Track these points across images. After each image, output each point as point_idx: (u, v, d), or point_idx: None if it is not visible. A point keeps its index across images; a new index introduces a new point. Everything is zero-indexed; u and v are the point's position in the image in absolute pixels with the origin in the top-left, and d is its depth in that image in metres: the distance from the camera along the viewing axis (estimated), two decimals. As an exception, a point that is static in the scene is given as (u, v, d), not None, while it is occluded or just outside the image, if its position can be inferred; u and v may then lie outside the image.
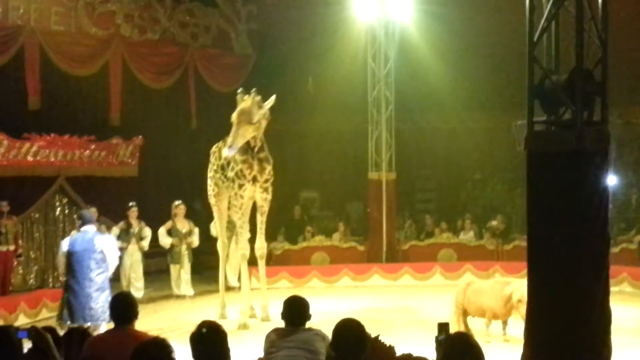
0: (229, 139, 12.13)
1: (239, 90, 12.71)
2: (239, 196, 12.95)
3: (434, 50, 18.98)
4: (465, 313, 11.39)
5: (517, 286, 10.73)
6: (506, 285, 11.06)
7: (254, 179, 12.81)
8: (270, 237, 18.42)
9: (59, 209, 16.93)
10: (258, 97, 12.43)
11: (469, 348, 4.13)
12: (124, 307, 5.39)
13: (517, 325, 10.38)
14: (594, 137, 6.51)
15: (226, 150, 12.16)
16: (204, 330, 4.47)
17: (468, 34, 19.34)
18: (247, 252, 13.16)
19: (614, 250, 15.52)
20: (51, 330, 5.41)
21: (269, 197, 13.11)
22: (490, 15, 18.73)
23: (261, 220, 13.27)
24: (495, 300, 11.02)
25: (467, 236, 18.84)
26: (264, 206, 13.16)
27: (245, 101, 12.28)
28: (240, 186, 12.84)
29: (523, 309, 10.34)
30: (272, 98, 12.69)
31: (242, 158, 12.75)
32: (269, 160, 12.97)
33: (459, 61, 19.41)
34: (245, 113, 12.05)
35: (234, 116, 12.28)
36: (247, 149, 12.71)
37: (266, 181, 12.95)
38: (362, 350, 4.62)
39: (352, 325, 4.73)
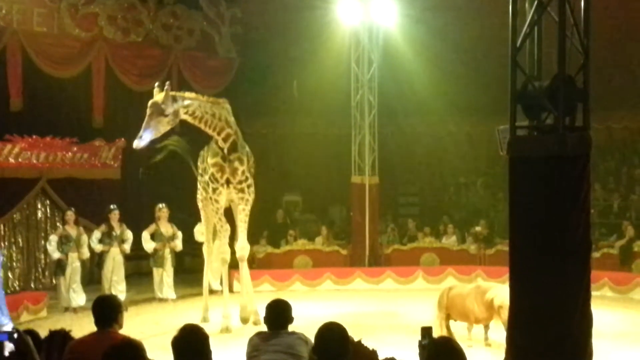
0: (141, 131, 11.49)
1: (156, 85, 12.04)
2: (213, 200, 12.90)
3: (418, 55, 19.05)
4: (447, 317, 11.44)
5: (498, 292, 10.78)
6: (488, 290, 11.11)
7: (227, 182, 12.69)
8: (252, 240, 18.39)
9: (40, 211, 16.86)
10: (173, 92, 11.88)
11: (452, 352, 4.15)
12: (106, 310, 5.37)
13: (499, 329, 10.44)
14: (576, 142, 6.55)
15: (136, 141, 11.49)
16: (185, 333, 4.46)
17: (451, 39, 19.43)
18: (227, 257, 13.11)
19: (595, 255, 15.62)
20: (32, 333, 5.38)
21: (247, 197, 12.93)
22: (473, 20, 18.85)
23: (241, 220, 13.10)
24: (477, 304, 11.06)
25: (449, 240, 18.90)
26: (243, 206, 12.98)
27: (158, 95, 11.70)
28: (214, 190, 12.79)
29: (504, 314, 10.40)
30: (189, 94, 12.27)
31: (212, 161, 12.68)
32: (241, 161, 12.70)
33: (442, 66, 19.48)
34: (155, 105, 11.45)
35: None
36: (217, 151, 12.60)
37: (240, 182, 12.74)
38: (344, 354, 4.63)
39: (335, 328, 4.73)
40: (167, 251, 15.52)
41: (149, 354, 4.47)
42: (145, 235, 15.43)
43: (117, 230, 15.08)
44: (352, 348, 4.81)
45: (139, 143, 11.42)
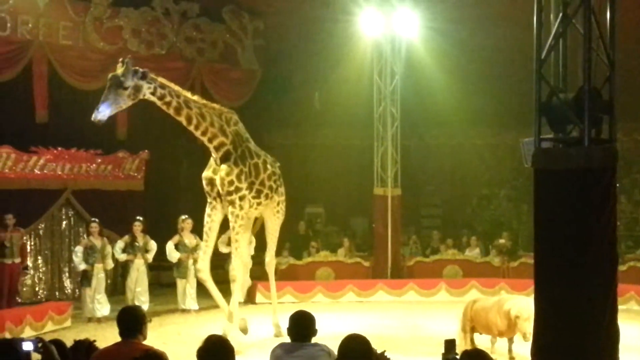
0: (99, 104, 10.89)
1: (120, 60, 11.48)
2: (206, 215, 12.35)
3: (440, 67, 19.02)
4: (472, 330, 11.37)
5: (515, 302, 10.74)
6: (507, 301, 11.05)
7: (219, 195, 12.11)
8: (275, 252, 18.44)
9: (65, 222, 17.01)
10: (137, 68, 11.19)
11: None
12: (131, 321, 5.39)
13: (524, 342, 10.35)
14: (602, 155, 6.51)
15: (94, 114, 10.73)
16: (211, 344, 4.47)
17: (474, 51, 19.40)
18: (234, 273, 12.45)
19: (622, 268, 15.43)
20: (58, 343, 5.41)
21: (238, 211, 12.04)
22: (497, 32, 18.79)
23: (232, 239, 12.41)
24: (499, 317, 10.99)
25: (472, 253, 18.81)
26: (232, 223, 12.19)
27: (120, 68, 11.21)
28: (209, 205, 12.26)
29: (521, 324, 10.36)
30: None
31: (204, 174, 12.24)
32: (229, 170, 11.93)
33: (465, 78, 19.45)
34: (114, 78, 10.96)
35: None
36: (211, 162, 12.17)
37: (229, 193, 11.96)
38: None
39: (358, 340, 4.72)
40: (190, 262, 15.56)
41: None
42: (170, 245, 15.50)
43: (140, 241, 15.19)
44: (375, 360, 4.79)
45: (96, 116, 10.71)
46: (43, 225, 16.55)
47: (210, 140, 11.90)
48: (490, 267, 18.19)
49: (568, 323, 6.46)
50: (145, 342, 5.40)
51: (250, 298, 16.69)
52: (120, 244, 15.19)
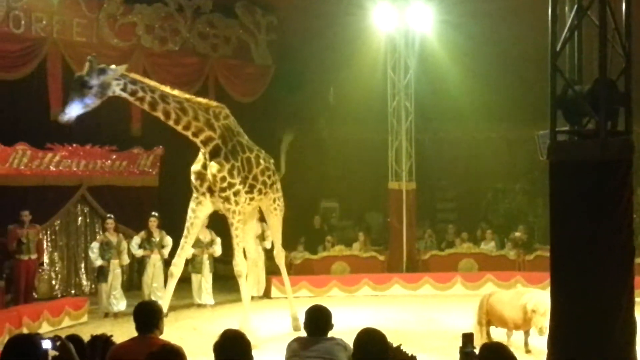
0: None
1: (88, 58, 11.16)
2: (190, 210, 12.19)
3: (454, 61, 18.96)
4: (488, 323, 11.36)
5: (532, 296, 10.70)
6: (523, 295, 11.02)
7: (210, 190, 11.93)
8: (290, 246, 18.47)
9: (80, 218, 17.09)
10: (103, 65, 10.96)
11: (508, 358, 4.14)
12: (147, 316, 5.42)
13: (540, 335, 10.33)
14: (618, 147, 6.48)
15: (60, 116, 10.82)
16: (227, 339, 4.48)
17: (488, 44, 19.29)
18: (238, 268, 12.22)
19: (638, 260, 15.37)
20: (76, 338, 5.45)
21: (233, 207, 11.89)
22: (511, 25, 18.68)
23: (232, 235, 12.17)
24: (515, 310, 10.97)
25: (488, 246, 18.76)
26: (230, 219, 12.02)
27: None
28: (194, 200, 12.11)
29: (537, 318, 10.33)
30: (122, 67, 11.20)
31: (193, 168, 12.11)
32: (221, 166, 11.77)
33: (479, 71, 19.37)
34: (78, 78, 10.83)
35: None
36: (200, 157, 12.03)
37: (223, 190, 11.80)
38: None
39: (374, 334, 4.72)
40: (205, 257, 15.61)
41: (188, 359, 4.50)
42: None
43: (156, 237, 15.25)
44: (391, 354, 4.79)
45: (63, 117, 10.74)
46: (59, 222, 16.65)
47: (195, 135, 11.71)
48: (506, 260, 18.14)
49: (584, 315, 6.45)
50: (161, 337, 5.42)
51: (265, 293, 16.74)
52: (136, 239, 15.27)
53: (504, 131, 21.73)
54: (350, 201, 22.12)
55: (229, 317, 14.23)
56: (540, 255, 16.64)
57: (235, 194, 11.88)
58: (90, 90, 10.76)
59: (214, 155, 11.82)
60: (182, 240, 12.44)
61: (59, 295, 16.21)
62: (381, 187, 19.51)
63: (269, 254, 16.69)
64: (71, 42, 16.60)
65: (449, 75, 19.16)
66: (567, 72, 6.97)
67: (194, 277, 15.74)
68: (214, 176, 11.75)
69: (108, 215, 15.27)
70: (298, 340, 5.66)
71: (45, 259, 15.91)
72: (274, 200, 13.04)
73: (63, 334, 5.44)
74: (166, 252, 15.28)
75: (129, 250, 15.15)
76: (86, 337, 5.58)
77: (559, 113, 6.84)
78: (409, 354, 5.59)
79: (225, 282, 16.99)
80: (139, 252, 15.31)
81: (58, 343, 4.75)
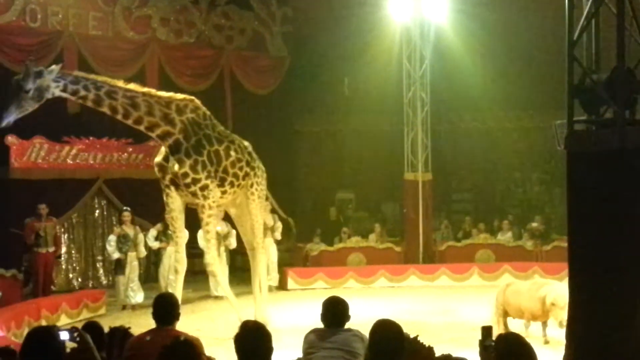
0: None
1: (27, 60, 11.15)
2: (165, 204, 12.00)
3: (470, 50, 18.88)
4: (505, 314, 11.31)
5: (552, 288, 10.63)
6: (542, 287, 10.97)
7: (173, 183, 11.61)
8: (306, 238, 18.51)
9: (97, 211, 17.18)
10: (39, 68, 10.68)
11: (523, 348, 4.12)
12: (166, 308, 5.44)
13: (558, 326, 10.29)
14: (637, 135, 6.43)
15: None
16: (248, 330, 4.48)
17: (504, 33, 19.22)
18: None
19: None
20: (96, 325, 5.50)
21: (203, 202, 11.57)
22: (527, 14, 18.61)
23: (203, 230, 11.94)
24: (533, 301, 10.93)
25: (505, 237, 18.69)
26: (200, 214, 11.78)
27: None
28: (164, 193, 11.85)
29: (556, 312, 10.26)
30: (56, 67, 10.83)
31: (155, 161, 11.85)
32: (181, 162, 11.36)
33: (495, 61, 19.31)
34: (15, 81, 10.56)
35: None
36: (163, 149, 11.67)
37: (188, 186, 11.44)
38: (399, 351, 4.59)
39: (390, 326, 4.70)
40: (221, 249, 15.64)
41: (206, 351, 4.51)
42: (201, 233, 15.54)
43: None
44: (407, 345, 4.78)
45: (1, 123, 10.43)
46: (76, 215, 16.75)
47: (149, 130, 11.36)
48: (523, 251, 18.07)
49: (603, 306, 6.41)
50: (179, 329, 5.44)
51: (282, 284, 16.77)
52: (152, 232, 15.32)
53: (521, 121, 21.65)
54: (366, 192, 22.10)
55: (246, 309, 14.26)
56: (558, 246, 16.56)
57: (203, 188, 11.52)
58: (27, 94, 10.45)
59: (174, 151, 11.41)
60: (174, 236, 12.34)
61: (77, 288, 16.31)
62: (397, 178, 19.48)
63: (281, 245, 16.78)
64: (87, 36, 16.68)
65: (464, 65, 19.08)
66: (585, 61, 6.92)
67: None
68: (175, 173, 11.44)
69: (125, 208, 15.32)
70: (315, 331, 5.66)
71: (63, 252, 16.01)
72: (251, 185, 12.53)
73: (81, 326, 5.48)
74: (182, 243, 15.30)
75: (145, 242, 15.20)
76: (105, 329, 5.61)
77: (577, 102, 6.79)
78: (426, 345, 5.58)
79: (242, 273, 17.05)
80: (155, 245, 15.36)
81: (75, 334, 4.77)
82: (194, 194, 11.50)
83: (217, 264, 12.15)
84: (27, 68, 10.56)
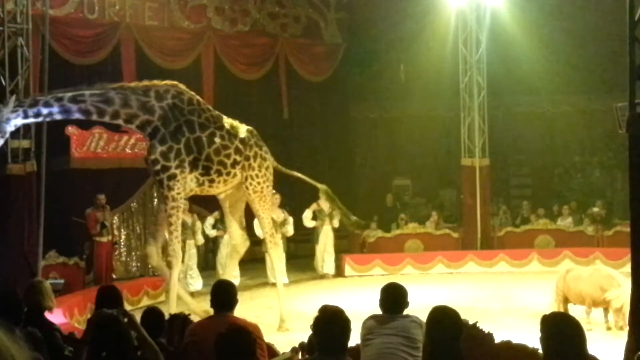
0: None
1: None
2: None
3: (527, 33, 18.59)
4: (565, 301, 11.17)
5: (620, 294, 10.31)
6: (608, 287, 10.69)
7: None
8: (363, 224, 18.49)
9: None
10: None
11: (571, 327, 4.07)
12: (224, 295, 5.49)
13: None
14: (701, 117, 6.27)
15: None
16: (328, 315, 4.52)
17: (562, 15, 18.90)
18: (171, 259, 11.43)
19: None
20: (157, 311, 5.60)
21: (167, 192, 10.87)
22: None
23: (167, 222, 11.17)
24: (594, 288, 10.76)
25: (565, 222, 18.39)
26: (163, 204, 11.15)
27: None
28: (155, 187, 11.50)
29: (620, 318, 10.07)
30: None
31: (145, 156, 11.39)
32: (154, 148, 10.81)
33: (552, 43, 19.01)
34: None
35: None
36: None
37: (156, 173, 10.86)
38: (456, 337, 4.56)
39: (447, 312, 4.67)
40: (278, 237, 15.69)
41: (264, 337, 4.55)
42: (257, 221, 15.63)
43: (230, 217, 15.37)
44: (466, 331, 4.75)
45: None
46: (135, 204, 16.98)
47: (128, 122, 10.88)
48: (584, 236, 17.77)
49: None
50: (237, 315, 5.49)
51: (339, 271, 16.80)
52: (210, 220, 15.46)
53: (581, 104, 21.25)
54: (423, 178, 21.98)
55: (304, 295, 14.35)
56: (620, 231, 16.24)
57: (170, 178, 10.83)
58: None
59: (151, 138, 10.92)
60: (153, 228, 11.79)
61: (137, 275, 16.56)
62: (454, 164, 19.34)
63: (338, 232, 16.80)
64: (143, 26, 16.88)
65: (521, 48, 18.83)
66: (647, 42, 6.75)
67: (268, 257, 15.85)
68: (145, 159, 11.04)
69: None
70: (374, 317, 5.66)
71: (122, 240, 16.29)
72: (246, 179, 11.76)
73: (142, 312, 5.58)
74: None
75: (203, 230, 15.36)
76: (165, 316, 5.70)
77: (639, 84, 6.64)
78: (486, 332, 5.54)
79: (299, 260, 17.17)
80: (212, 233, 15.52)
81: (126, 320, 4.87)
82: (160, 183, 10.89)
83: (179, 258, 11.56)
84: None
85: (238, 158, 11.49)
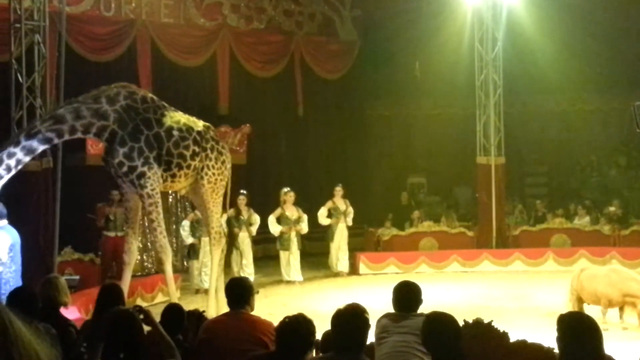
0: None
1: None
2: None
3: (543, 31, 18.49)
4: (580, 300, 11.09)
5: None
6: (629, 289, 10.63)
7: (117, 175, 11.00)
8: (377, 223, 18.49)
9: (171, 197, 17.42)
10: None
11: (586, 326, 4.05)
12: (239, 292, 5.49)
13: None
14: None
15: None
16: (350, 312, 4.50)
17: (579, 13, 18.78)
18: (160, 256, 11.68)
19: None
20: (178, 307, 5.63)
21: (140, 191, 10.82)
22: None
23: (148, 220, 11.34)
24: (611, 288, 10.68)
25: (582, 221, 18.28)
26: (142, 204, 11.06)
27: None
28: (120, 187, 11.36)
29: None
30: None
31: (102, 155, 11.32)
32: (115, 152, 10.67)
33: (569, 41, 18.90)
34: None
35: None
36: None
37: (126, 175, 10.77)
38: (456, 344, 4.55)
39: (444, 319, 4.67)
40: (293, 234, 15.69)
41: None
42: (272, 218, 15.66)
43: (244, 215, 15.36)
44: (481, 330, 4.73)
45: None
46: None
47: (85, 133, 10.68)
48: (600, 235, 17.64)
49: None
50: (252, 313, 5.50)
51: (353, 269, 16.78)
52: (224, 217, 15.45)
53: (597, 103, 21.17)
54: (437, 176, 21.92)
55: (318, 293, 14.34)
56: (636, 231, 16.20)
57: (140, 176, 10.76)
58: None
59: (110, 142, 10.75)
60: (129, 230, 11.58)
61: (152, 272, 16.58)
62: (469, 162, 19.26)
63: (352, 230, 16.79)
64: (159, 24, 16.93)
65: (537, 47, 18.76)
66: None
67: (282, 254, 15.87)
68: (112, 164, 10.81)
69: (241, 191, 15.37)
70: (388, 316, 5.66)
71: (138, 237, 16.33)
72: (202, 169, 11.67)
73: (157, 310, 5.59)
74: (254, 229, 15.43)
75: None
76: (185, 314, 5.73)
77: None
78: (501, 331, 5.51)
79: (314, 258, 17.17)
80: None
81: (142, 317, 4.87)
82: (132, 183, 10.81)
83: (168, 253, 11.59)
84: None
85: (197, 149, 11.46)
